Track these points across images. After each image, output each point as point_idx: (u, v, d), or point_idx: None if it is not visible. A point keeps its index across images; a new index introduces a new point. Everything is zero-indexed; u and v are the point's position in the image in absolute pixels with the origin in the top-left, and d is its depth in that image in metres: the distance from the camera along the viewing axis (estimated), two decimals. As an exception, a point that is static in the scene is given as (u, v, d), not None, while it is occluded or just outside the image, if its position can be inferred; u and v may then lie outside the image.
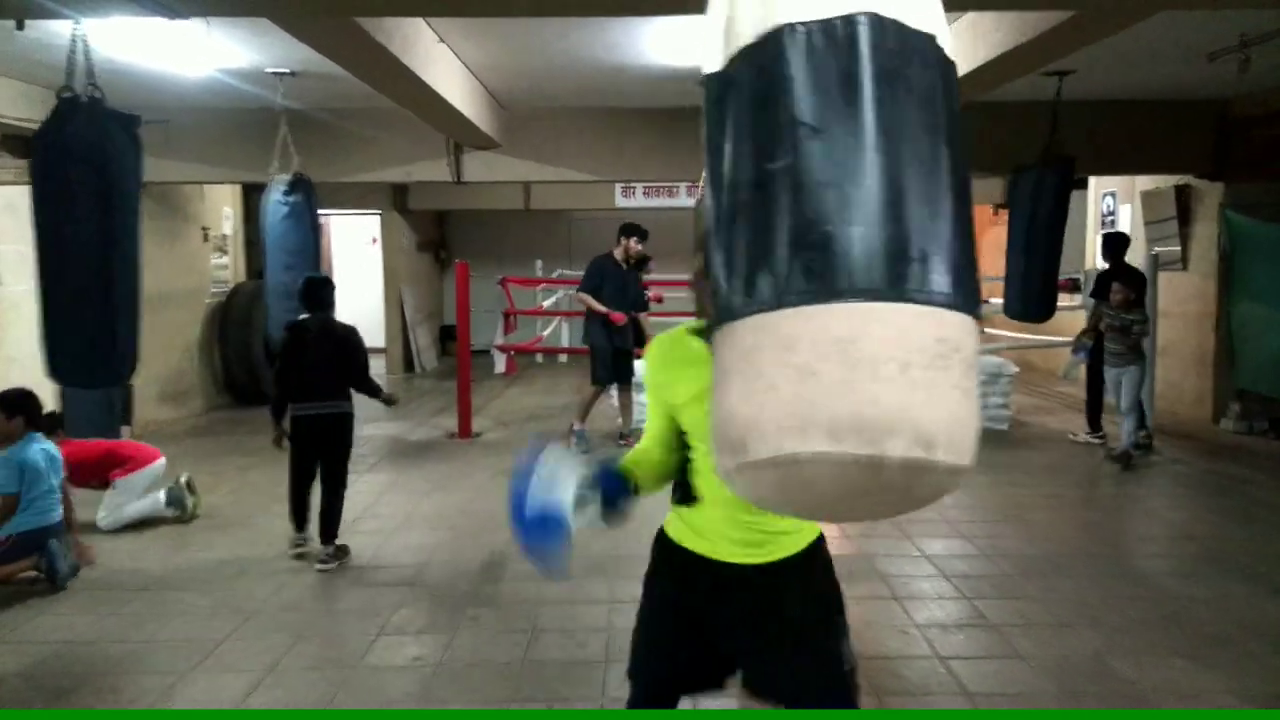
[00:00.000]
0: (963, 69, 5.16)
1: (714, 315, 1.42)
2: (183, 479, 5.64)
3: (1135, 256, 8.75)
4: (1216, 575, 4.55)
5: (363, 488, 6.37)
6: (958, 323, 1.33)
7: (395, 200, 12.02)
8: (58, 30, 4.73)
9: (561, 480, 1.75)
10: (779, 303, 1.31)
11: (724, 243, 1.40)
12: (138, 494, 5.46)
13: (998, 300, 10.84)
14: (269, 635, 3.91)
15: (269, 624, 4.03)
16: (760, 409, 1.31)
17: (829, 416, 1.26)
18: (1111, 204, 9.56)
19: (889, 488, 1.30)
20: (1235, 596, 4.25)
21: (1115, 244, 7.34)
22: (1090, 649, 3.70)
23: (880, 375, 1.26)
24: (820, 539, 2.09)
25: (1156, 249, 8.33)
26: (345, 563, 4.80)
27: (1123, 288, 6.55)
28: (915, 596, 4.26)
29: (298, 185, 6.45)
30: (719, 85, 1.44)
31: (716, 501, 1.97)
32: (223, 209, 9.79)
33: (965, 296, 1.35)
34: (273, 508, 5.85)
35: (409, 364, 12.58)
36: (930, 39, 1.40)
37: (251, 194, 10.02)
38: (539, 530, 1.75)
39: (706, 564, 2.01)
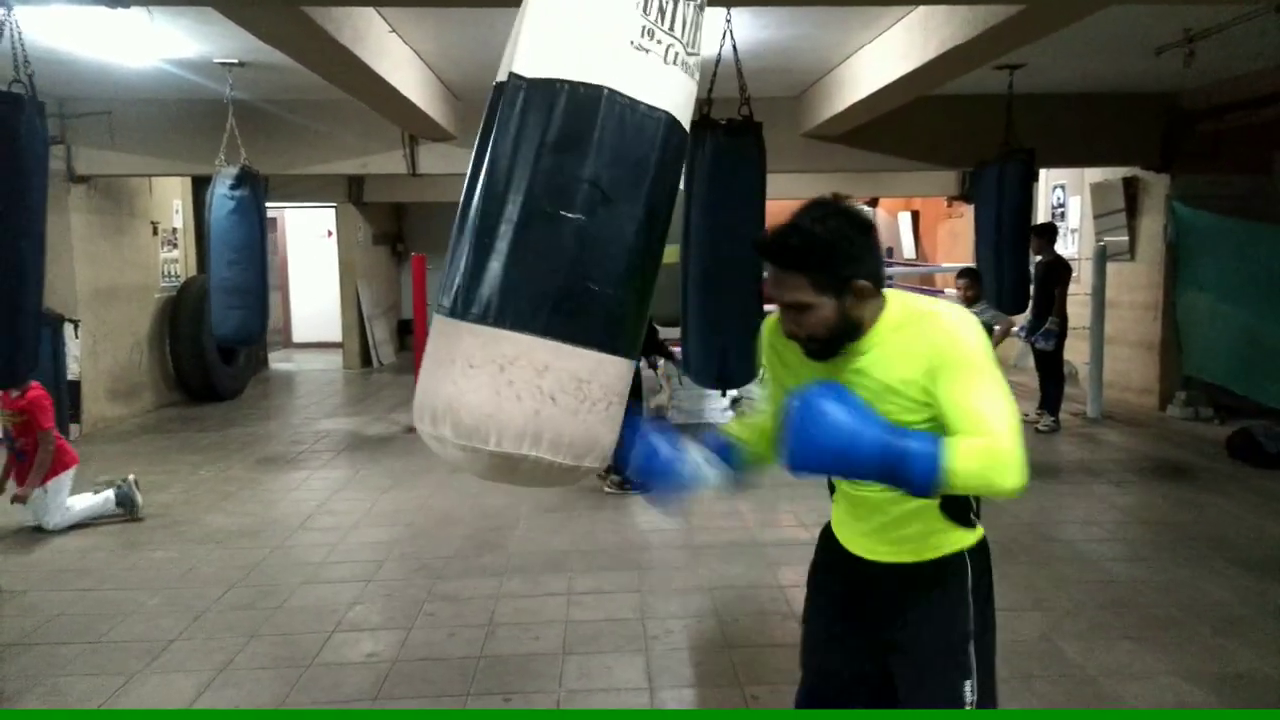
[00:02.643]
0: (914, 63, 5.21)
1: (465, 310, 1.63)
2: (130, 477, 5.52)
3: (1085, 247, 8.95)
4: (1162, 559, 4.65)
5: (318, 483, 6.31)
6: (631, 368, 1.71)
7: (351, 192, 11.88)
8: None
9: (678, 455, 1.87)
10: (544, 330, 1.57)
11: (518, 247, 1.58)
12: (64, 494, 5.24)
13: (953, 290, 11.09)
14: (220, 634, 3.86)
15: (220, 623, 3.98)
16: (505, 411, 1.57)
17: (554, 434, 1.57)
18: (1062, 196, 9.72)
19: (559, 478, 1.67)
20: (1180, 580, 4.35)
21: (1050, 234, 7.54)
22: (1038, 632, 3.77)
23: (595, 410, 1.59)
24: (966, 557, 1.88)
25: (1105, 240, 8.50)
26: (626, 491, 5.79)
27: (967, 283, 6.61)
28: (870, 584, 4.31)
29: (244, 179, 6.33)
30: (572, 95, 1.59)
31: (843, 493, 1.95)
32: (173, 202, 9.60)
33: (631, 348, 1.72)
34: (224, 505, 5.77)
35: (366, 358, 12.46)
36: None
37: (201, 186, 9.83)
38: (661, 481, 1.85)
39: (847, 557, 1.96)
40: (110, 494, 5.42)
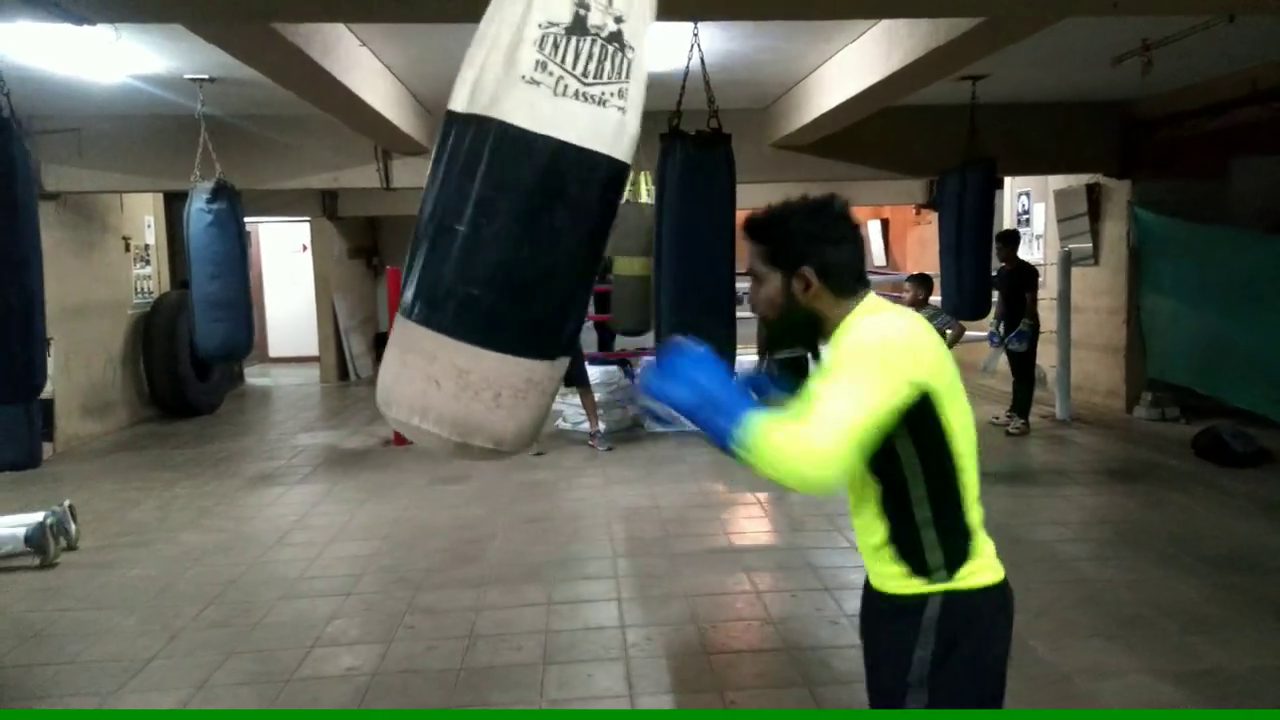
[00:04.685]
0: (879, 74, 5.30)
1: (400, 304, 1.91)
2: (49, 515, 4.98)
3: (1050, 252, 9.09)
4: (1130, 558, 4.74)
5: (295, 498, 6.29)
6: (544, 367, 1.89)
7: (325, 207, 11.83)
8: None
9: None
10: (432, 324, 1.83)
11: (427, 255, 1.84)
12: None
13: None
14: (198, 652, 3.85)
15: (197, 641, 3.97)
16: (400, 387, 1.90)
17: (437, 412, 1.85)
18: (1026, 203, 9.88)
19: (474, 454, 1.93)
20: (1148, 578, 4.44)
21: (1013, 240, 7.72)
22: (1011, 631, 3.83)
23: (479, 397, 1.84)
24: (926, 606, 1.71)
25: (1069, 245, 8.65)
26: None
27: (911, 286, 6.79)
28: (845, 587, 4.36)
29: (221, 193, 6.32)
30: (476, 128, 1.79)
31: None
32: (144, 218, 9.54)
33: (560, 349, 1.94)
34: (200, 521, 5.75)
35: (343, 372, 12.40)
36: (607, 160, 1.81)
37: (173, 202, 9.79)
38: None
39: (867, 581, 1.90)
40: (19, 531, 4.87)
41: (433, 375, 1.84)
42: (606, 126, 1.81)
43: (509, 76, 1.77)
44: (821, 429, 1.52)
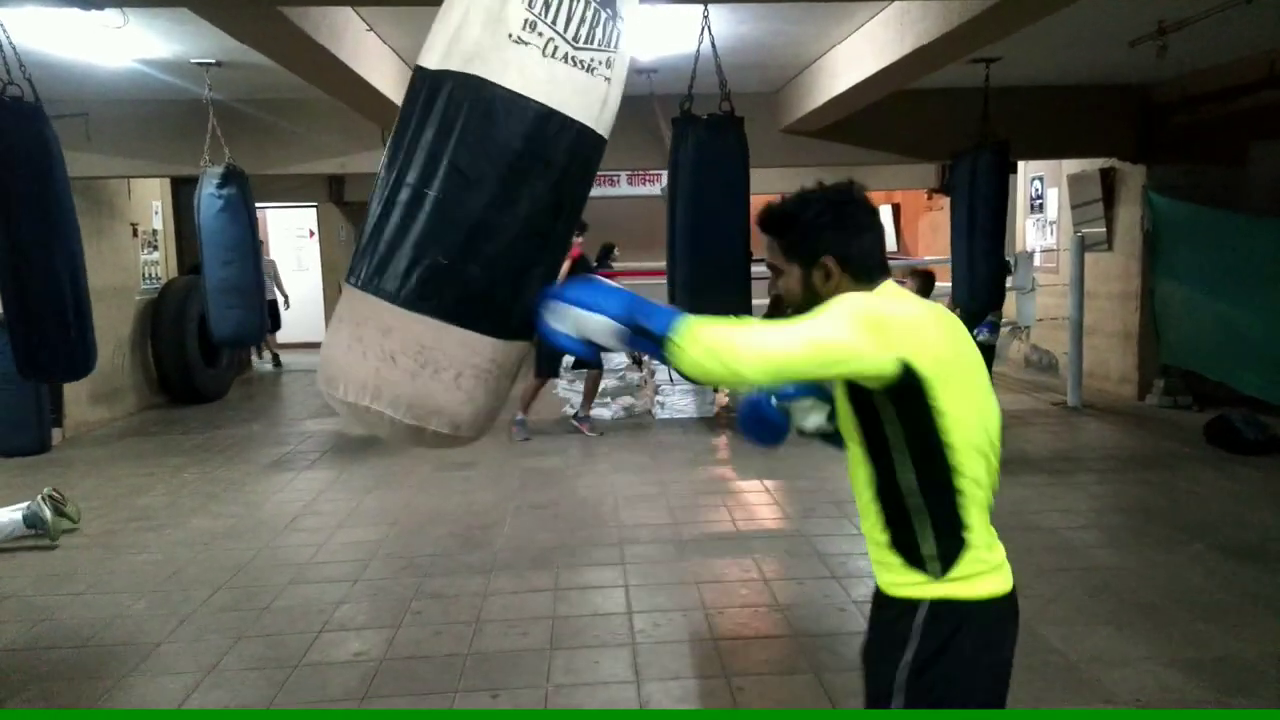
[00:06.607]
0: (892, 57, 5.25)
1: (349, 273, 1.79)
2: (45, 492, 5.03)
3: (1063, 238, 9.02)
4: (1141, 545, 4.71)
5: (304, 484, 6.30)
6: (510, 348, 1.79)
7: (332, 192, 11.84)
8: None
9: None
10: (393, 296, 1.70)
11: (389, 221, 1.72)
12: None
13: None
14: (207, 636, 3.86)
15: (207, 625, 3.98)
16: (352, 365, 1.74)
17: (392, 393, 1.71)
18: (1040, 187, 9.79)
19: (426, 440, 1.80)
20: (1158, 565, 4.41)
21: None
22: (1021, 620, 3.80)
23: (439, 377, 1.72)
24: (920, 611, 1.66)
25: (1083, 230, 8.57)
26: None
27: (911, 281, 6.78)
28: (853, 575, 4.35)
29: (231, 178, 6.29)
30: (454, 85, 1.69)
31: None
32: (152, 204, 9.54)
33: (522, 330, 1.79)
34: (209, 507, 5.76)
35: (350, 358, 12.41)
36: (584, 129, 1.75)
37: (180, 187, 9.79)
38: (757, 427, 2.00)
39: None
40: (18, 514, 4.89)
41: (388, 351, 1.69)
42: (592, 96, 1.73)
43: (495, 34, 1.65)
44: (757, 335, 1.55)
